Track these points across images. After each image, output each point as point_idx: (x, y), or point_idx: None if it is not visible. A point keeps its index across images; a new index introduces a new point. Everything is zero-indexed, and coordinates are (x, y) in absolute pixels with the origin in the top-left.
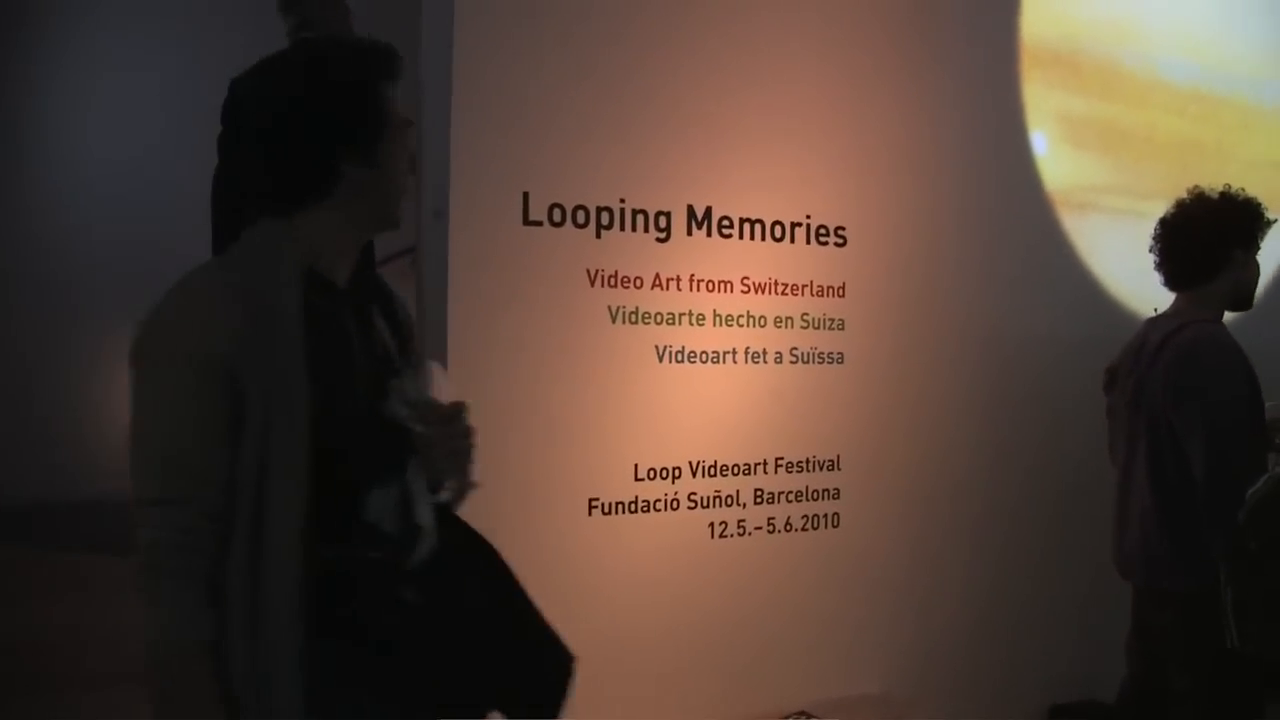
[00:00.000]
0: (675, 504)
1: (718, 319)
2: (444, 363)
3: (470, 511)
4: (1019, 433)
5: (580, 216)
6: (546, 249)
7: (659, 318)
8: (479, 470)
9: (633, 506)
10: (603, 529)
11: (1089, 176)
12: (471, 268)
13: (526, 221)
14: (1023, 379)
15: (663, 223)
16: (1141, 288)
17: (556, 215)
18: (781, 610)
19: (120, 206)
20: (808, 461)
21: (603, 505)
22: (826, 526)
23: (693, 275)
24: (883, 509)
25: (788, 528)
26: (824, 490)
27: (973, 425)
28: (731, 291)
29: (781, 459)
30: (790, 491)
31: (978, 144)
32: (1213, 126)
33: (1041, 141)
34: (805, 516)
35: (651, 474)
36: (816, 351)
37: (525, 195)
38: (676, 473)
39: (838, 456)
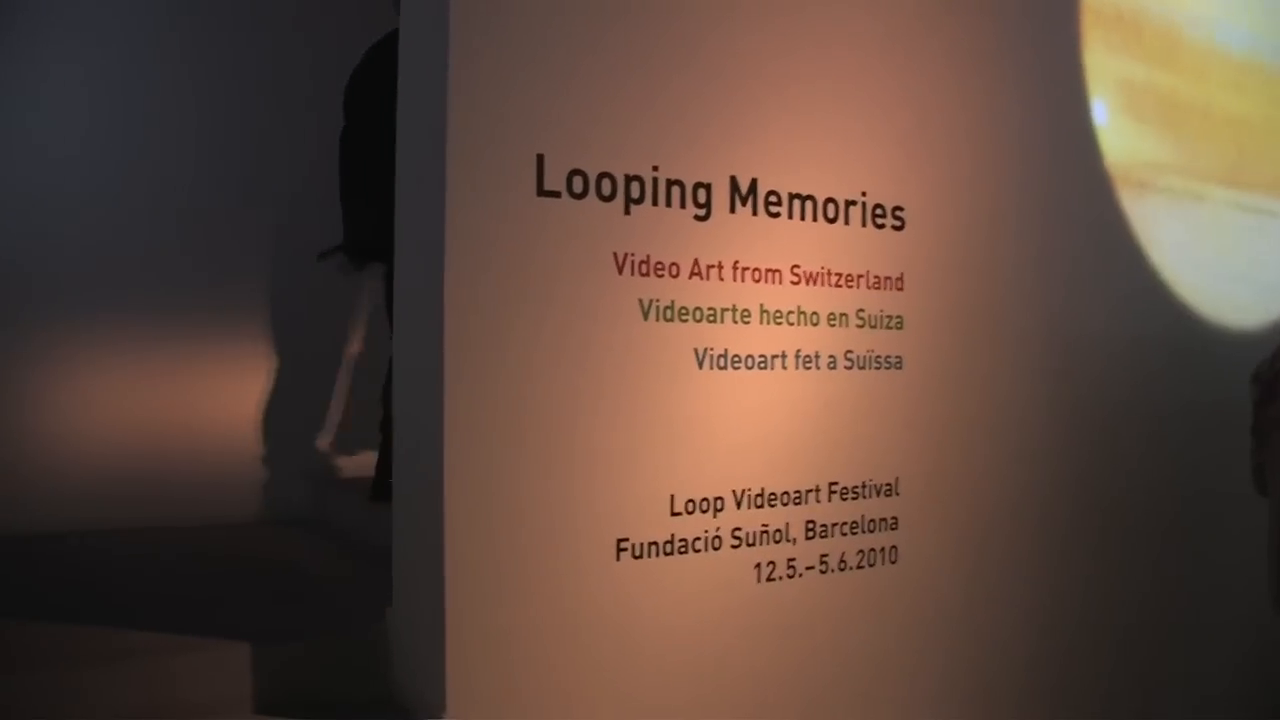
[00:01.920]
0: (717, 543)
1: (765, 315)
2: (437, 372)
3: (474, 558)
4: (1079, 449)
5: (605, 187)
6: (565, 226)
7: (698, 314)
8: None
9: (668, 547)
10: (633, 577)
11: (1148, 152)
12: (471, 250)
13: (541, 192)
14: (1082, 386)
15: (702, 197)
16: (1200, 279)
17: (577, 185)
18: (831, 662)
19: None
20: (864, 486)
21: (633, 547)
22: (884, 563)
23: (736, 262)
24: (941, 539)
25: (842, 566)
26: (881, 520)
27: (1032, 440)
28: (780, 282)
29: (835, 484)
30: (845, 523)
31: (1037, 111)
32: (1265, 101)
33: (1102, 110)
34: (861, 552)
35: (690, 507)
36: (873, 356)
37: (540, 159)
38: (718, 504)
39: (896, 480)
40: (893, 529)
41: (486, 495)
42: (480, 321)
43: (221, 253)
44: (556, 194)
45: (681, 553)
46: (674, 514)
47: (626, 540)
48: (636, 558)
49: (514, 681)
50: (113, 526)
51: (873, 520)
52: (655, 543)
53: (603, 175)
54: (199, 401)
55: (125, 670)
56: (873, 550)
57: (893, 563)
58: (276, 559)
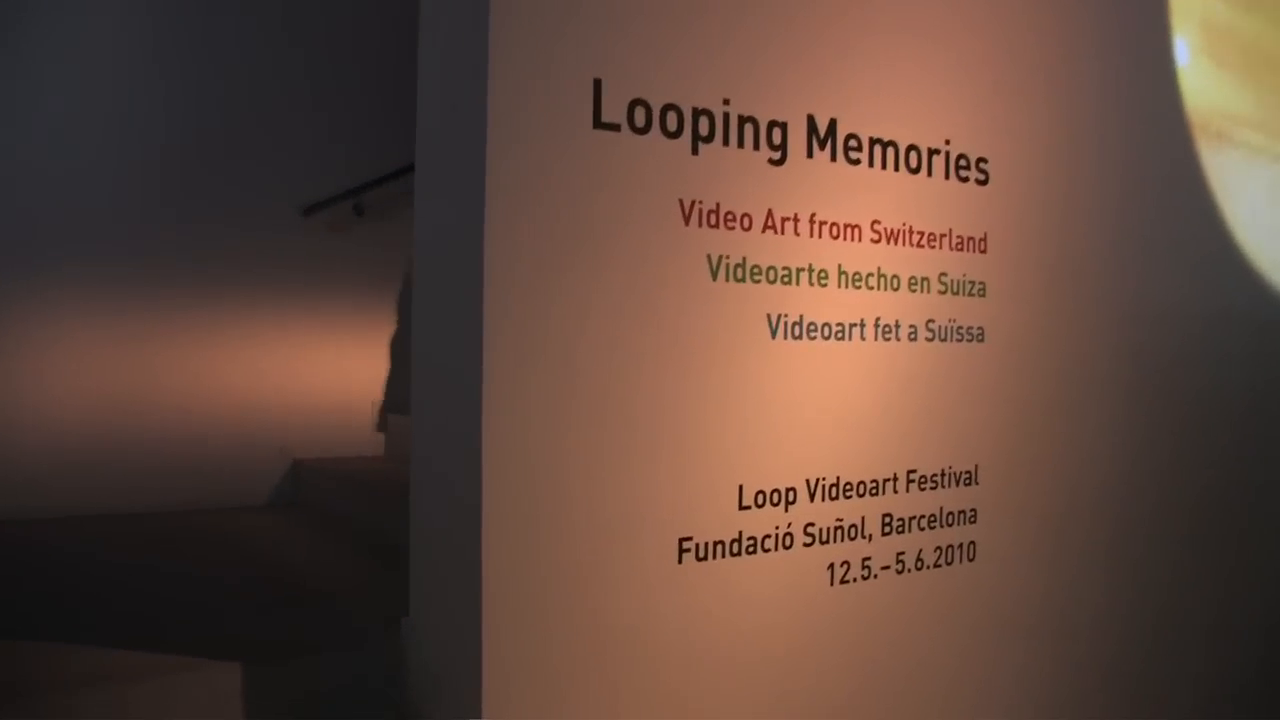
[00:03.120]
0: (789, 540)
1: (843, 277)
2: (473, 341)
3: (516, 561)
4: (1161, 432)
5: (670, 121)
6: (625, 167)
7: (771, 274)
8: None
9: (735, 547)
10: (697, 582)
11: (1228, 101)
12: (515, 193)
13: (598, 124)
14: (1162, 362)
15: (777, 137)
16: (1273, 245)
17: (639, 117)
18: (904, 671)
19: None
20: (943, 475)
21: (697, 548)
22: (962, 560)
23: (814, 215)
24: (1020, 534)
25: (919, 565)
26: (959, 513)
27: (1114, 424)
28: (860, 239)
29: (914, 473)
30: (922, 516)
31: (1120, 50)
32: None
33: (1184, 50)
34: (939, 549)
35: (759, 499)
36: (955, 326)
37: (597, 85)
38: (790, 496)
39: (975, 467)
40: (971, 522)
41: (531, 487)
42: (525, 278)
43: (196, 208)
44: (615, 127)
45: (750, 553)
46: (742, 508)
47: (690, 540)
48: (700, 560)
49: (559, 701)
50: (69, 513)
51: (951, 514)
52: (721, 542)
53: (668, 107)
54: (169, 374)
55: (85, 699)
56: (950, 547)
57: (970, 560)
58: (258, 552)
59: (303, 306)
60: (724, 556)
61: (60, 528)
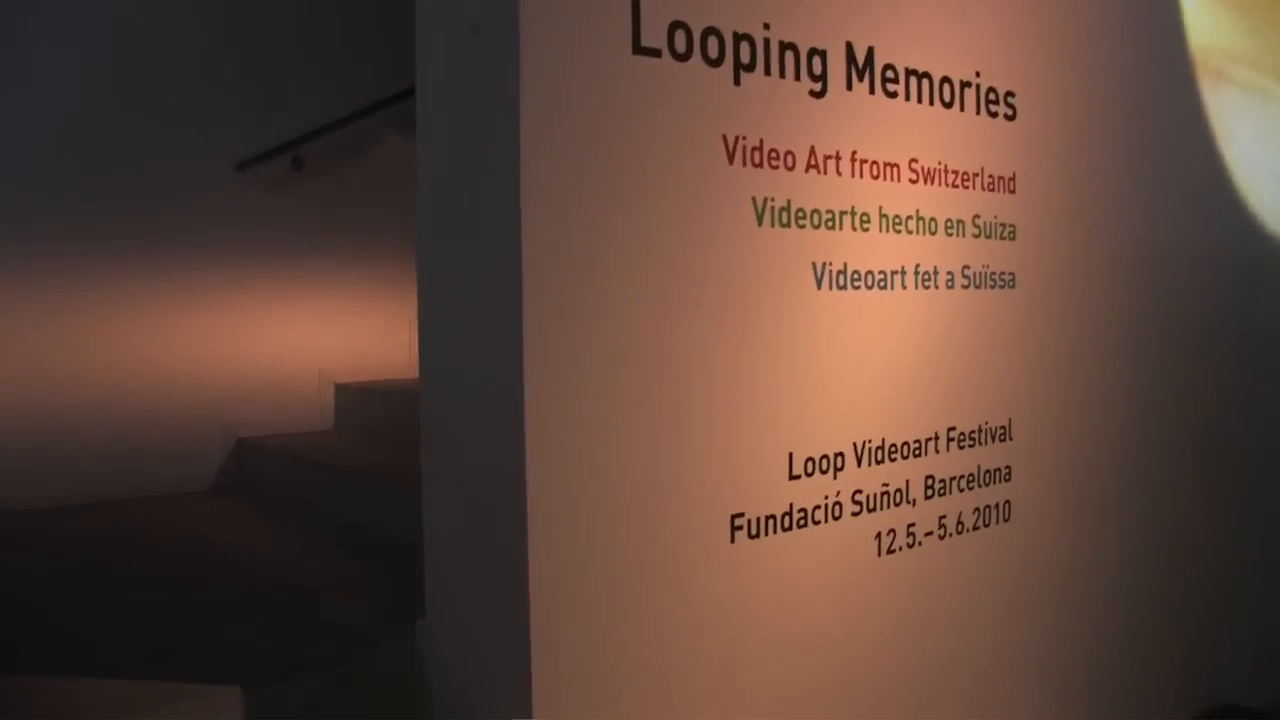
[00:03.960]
0: (837, 511)
1: (884, 221)
2: (510, 299)
3: (568, 553)
4: (1192, 379)
5: (712, 47)
6: (666, 97)
7: (815, 218)
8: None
9: (785, 521)
10: (750, 560)
11: (1226, 38)
12: (552, 127)
13: (637, 48)
14: (1180, 306)
15: (817, 67)
16: (1266, 185)
17: (680, 42)
18: (948, 638)
19: None
20: (980, 431)
21: (749, 524)
22: (997, 521)
23: (855, 153)
24: (1052, 489)
25: (959, 529)
26: (995, 471)
27: (1145, 371)
28: (899, 179)
29: (954, 430)
30: (962, 476)
31: None
32: None
33: None
34: (977, 510)
35: (809, 467)
36: (989, 272)
37: (635, 4)
38: (839, 462)
39: (1009, 421)
40: (1006, 480)
41: (576, 466)
42: (563, 226)
43: (119, 165)
44: (656, 52)
45: (800, 526)
46: (792, 477)
47: (742, 516)
48: (753, 537)
49: (612, 700)
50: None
51: (988, 471)
52: (773, 516)
53: (709, 31)
54: (94, 350)
55: None
56: (987, 508)
57: (1005, 520)
58: (212, 546)
59: (239, 270)
60: (775, 532)
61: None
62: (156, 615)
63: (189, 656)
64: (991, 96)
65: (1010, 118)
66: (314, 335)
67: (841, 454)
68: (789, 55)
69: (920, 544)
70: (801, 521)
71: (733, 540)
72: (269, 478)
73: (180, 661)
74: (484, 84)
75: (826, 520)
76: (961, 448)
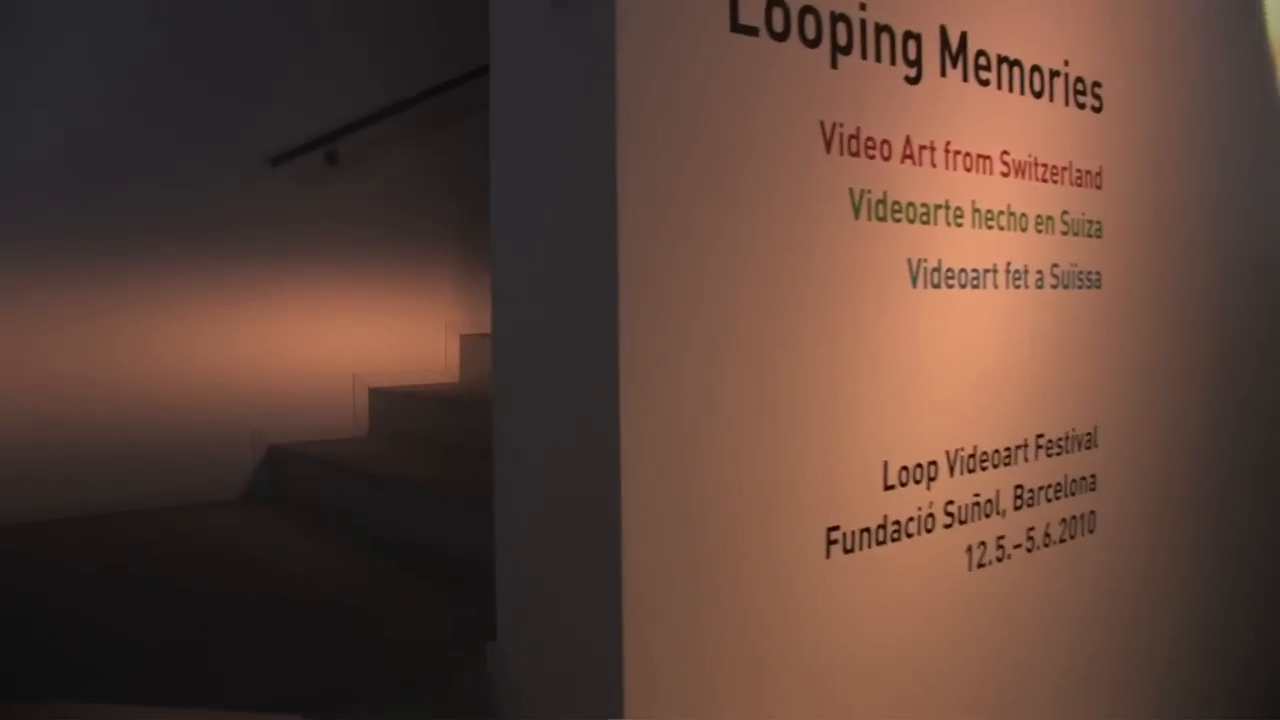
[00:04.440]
0: (929, 523)
1: (977, 216)
2: (605, 297)
3: (663, 570)
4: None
5: (809, 26)
6: (763, 79)
7: (910, 212)
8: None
9: (880, 534)
10: (844, 576)
11: None
12: (649, 110)
13: (735, 26)
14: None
15: (912, 51)
16: None
17: (777, 20)
18: (1035, 655)
19: None
20: (1067, 439)
21: (845, 538)
22: (1083, 533)
23: (949, 144)
24: (1136, 499)
25: (1046, 541)
26: (1081, 479)
27: (1231, 376)
28: (990, 172)
29: (1042, 438)
30: (1049, 486)
31: None
32: None
33: None
34: (1064, 521)
35: (903, 476)
36: (1076, 271)
37: None
38: (931, 471)
39: (1095, 428)
40: (1091, 490)
41: (671, 475)
42: (660, 219)
43: (148, 161)
44: (754, 31)
45: (894, 539)
46: (887, 487)
47: (837, 529)
48: (848, 551)
49: None
50: (6, 520)
51: (1074, 480)
52: (867, 529)
53: (806, 10)
54: (120, 353)
55: None
56: (1074, 519)
57: (1091, 532)
58: (247, 561)
59: (269, 269)
60: (870, 546)
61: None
62: (195, 636)
63: (238, 682)
64: (1079, 87)
65: (1097, 109)
66: (347, 338)
67: (935, 463)
68: (884, 37)
69: (1009, 557)
70: (895, 535)
71: (828, 555)
72: (302, 487)
73: (230, 688)
74: (572, 64)
75: (919, 533)
76: (1049, 456)
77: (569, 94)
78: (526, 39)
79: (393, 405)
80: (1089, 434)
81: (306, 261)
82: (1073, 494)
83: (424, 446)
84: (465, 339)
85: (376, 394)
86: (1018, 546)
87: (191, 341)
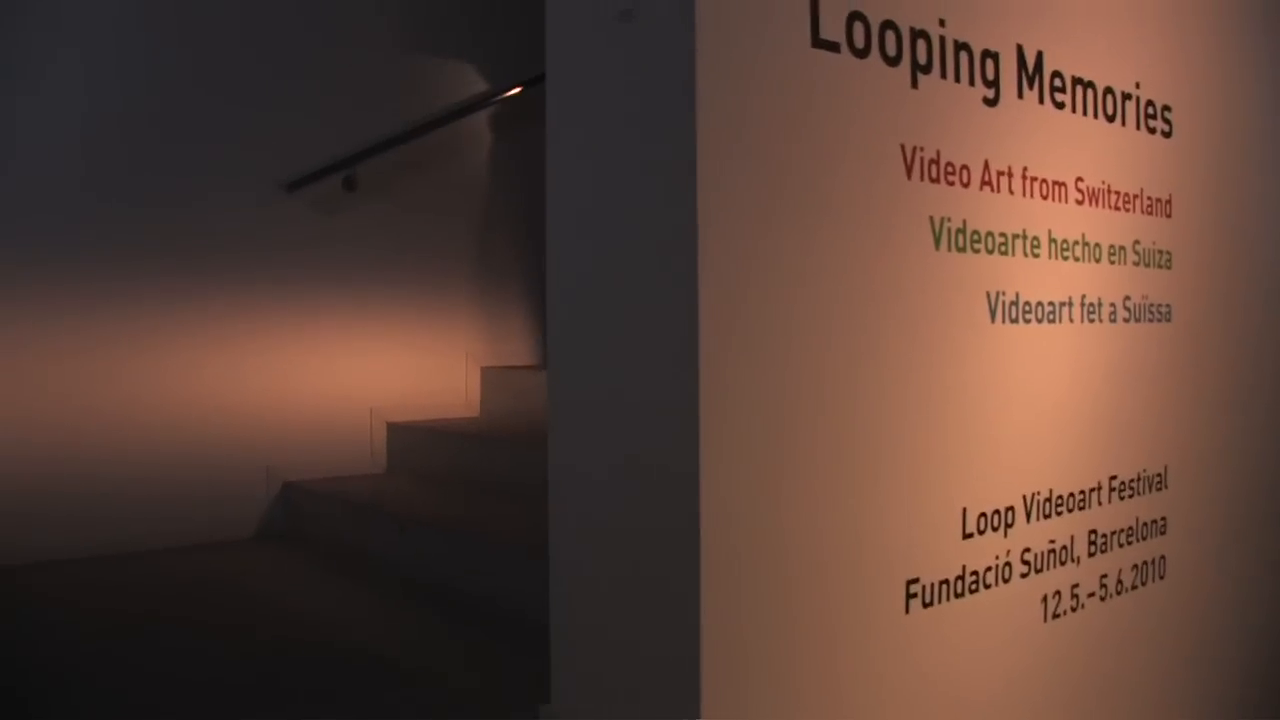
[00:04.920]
0: (1006, 573)
1: (1053, 246)
2: (682, 326)
3: (741, 625)
4: None
5: (890, 43)
6: (845, 98)
7: (990, 242)
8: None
9: (959, 585)
10: (924, 631)
11: None
12: (728, 128)
13: (816, 41)
14: None
15: (990, 71)
16: None
17: (858, 35)
18: (1102, 702)
19: None
20: (1138, 480)
21: (924, 591)
22: (1154, 579)
23: (1025, 169)
24: (1206, 542)
25: (1119, 589)
26: (1151, 523)
27: None
28: (1065, 200)
29: (1115, 479)
30: (1121, 530)
31: None
32: None
33: None
34: (1135, 567)
35: (981, 524)
36: (1147, 304)
37: None
38: (1009, 517)
39: (1165, 468)
40: (1161, 533)
41: (748, 521)
42: (738, 244)
43: (162, 185)
44: (834, 46)
45: (972, 591)
46: (965, 536)
47: (917, 581)
48: (927, 605)
49: None
50: (11, 561)
51: (1145, 524)
52: (946, 581)
53: (886, 25)
54: (131, 386)
55: None
56: (1145, 564)
57: (1161, 578)
58: (264, 605)
59: (284, 298)
60: (948, 599)
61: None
62: (215, 697)
63: None
64: (1150, 110)
65: (1167, 134)
66: (365, 370)
67: (1012, 508)
68: (963, 56)
69: (1083, 606)
70: (974, 586)
71: (907, 610)
72: (318, 526)
73: None
74: (643, 78)
75: (996, 583)
76: (1122, 498)
77: (641, 112)
78: (587, 52)
79: (412, 441)
80: (1159, 474)
81: (323, 290)
82: (1144, 538)
83: (445, 484)
84: (486, 371)
85: (395, 429)
86: (1091, 595)
87: (202, 373)
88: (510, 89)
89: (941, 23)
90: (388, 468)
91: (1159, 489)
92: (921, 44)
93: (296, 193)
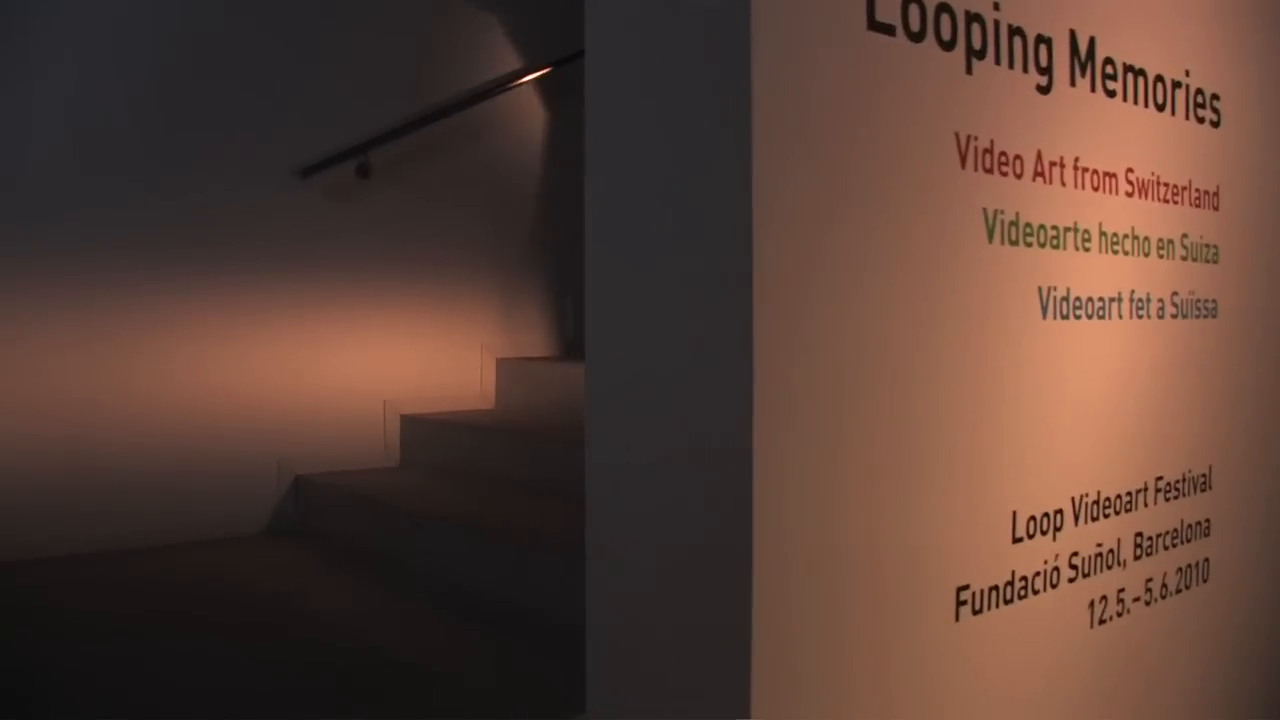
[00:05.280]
0: (1054, 578)
1: (1103, 240)
2: (737, 324)
3: (792, 634)
4: None
5: (944, 27)
6: (899, 84)
7: (1041, 235)
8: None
9: (1008, 591)
10: (974, 640)
11: None
12: (784, 115)
13: (872, 24)
14: None
15: (1043, 57)
16: None
17: (914, 18)
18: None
19: None
20: (1184, 481)
21: (974, 598)
22: (1197, 582)
23: (1077, 160)
24: (1248, 544)
25: (1163, 593)
26: (1195, 525)
27: None
28: (1116, 192)
29: (1161, 480)
30: (1167, 533)
31: None
32: None
33: None
34: (1180, 570)
35: (1030, 528)
36: (1194, 299)
37: None
38: (1058, 521)
39: (1210, 468)
40: (1205, 535)
41: (801, 527)
42: (795, 242)
43: (172, 173)
44: (890, 30)
45: (1021, 597)
46: (1015, 540)
47: (967, 588)
48: (976, 613)
49: None
50: (17, 556)
51: (1190, 526)
52: (995, 587)
53: (941, 8)
54: (139, 377)
55: None
56: (1189, 567)
57: (1204, 581)
58: (275, 603)
59: (296, 288)
60: (997, 606)
61: (3, 576)
62: (230, 703)
63: None
64: (1199, 100)
65: (1215, 124)
66: (378, 361)
67: (1060, 511)
68: (1017, 41)
69: (1129, 611)
70: (1022, 592)
71: (957, 618)
72: (331, 520)
73: None
74: (694, 61)
75: (1045, 589)
76: (1167, 500)
77: (689, 96)
78: (632, 37)
79: (426, 434)
80: (1204, 475)
81: (335, 280)
82: (1188, 540)
83: (460, 478)
84: (502, 363)
85: (409, 421)
86: (1136, 600)
87: (212, 364)
88: (538, 70)
89: (996, 6)
90: (401, 461)
91: (1203, 490)
92: (976, 28)
93: (309, 180)
